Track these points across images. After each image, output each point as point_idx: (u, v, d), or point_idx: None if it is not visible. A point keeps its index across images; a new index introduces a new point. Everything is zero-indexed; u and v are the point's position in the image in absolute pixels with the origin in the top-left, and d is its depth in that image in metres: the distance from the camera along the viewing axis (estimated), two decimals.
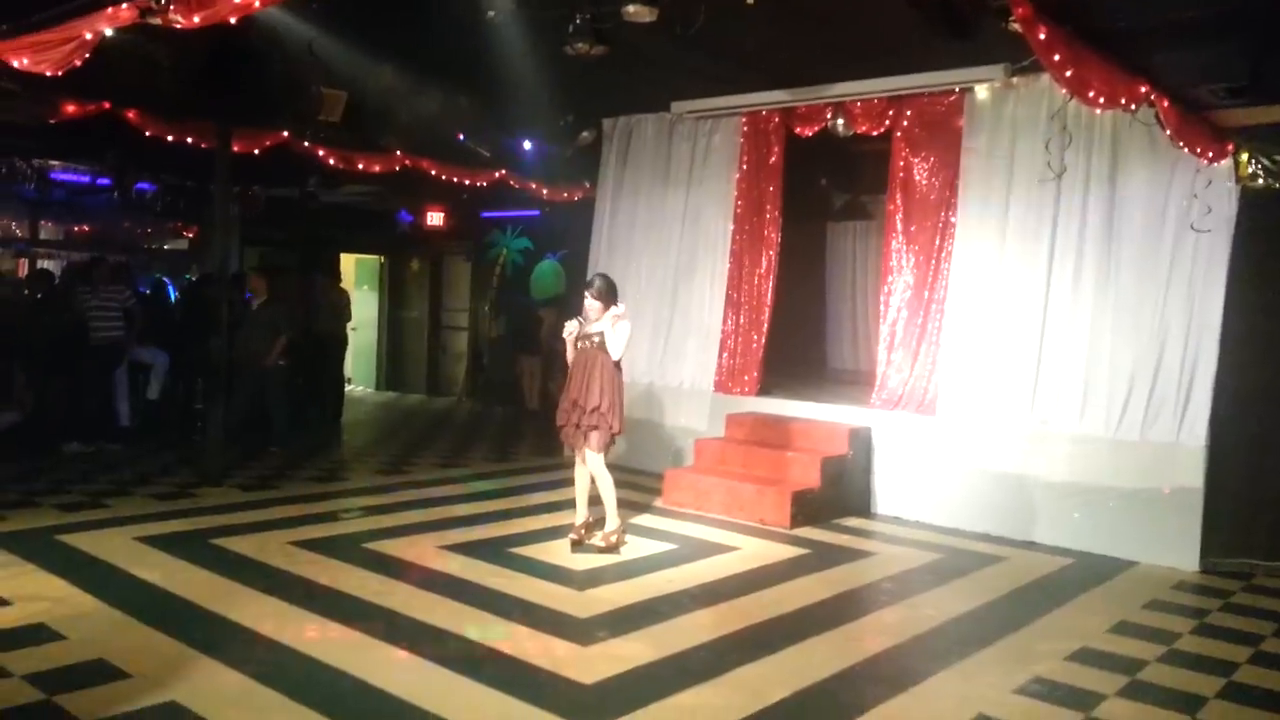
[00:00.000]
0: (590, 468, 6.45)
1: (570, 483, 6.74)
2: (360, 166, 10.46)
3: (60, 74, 5.71)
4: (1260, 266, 6.76)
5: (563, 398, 6.53)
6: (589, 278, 6.71)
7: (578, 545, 6.50)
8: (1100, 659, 4.90)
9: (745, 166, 9.30)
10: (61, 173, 12.10)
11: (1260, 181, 6.96)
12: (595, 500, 6.57)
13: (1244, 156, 6.80)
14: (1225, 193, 6.84)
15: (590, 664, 4.54)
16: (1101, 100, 6.12)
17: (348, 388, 13.68)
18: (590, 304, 6.43)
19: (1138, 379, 7.07)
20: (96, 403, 9.49)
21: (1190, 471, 6.76)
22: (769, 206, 9.22)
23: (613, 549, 6.46)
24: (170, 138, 9.14)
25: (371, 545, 6.45)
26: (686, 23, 6.30)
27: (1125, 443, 7.02)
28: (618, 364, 6.41)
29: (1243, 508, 6.78)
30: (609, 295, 6.46)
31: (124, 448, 9.33)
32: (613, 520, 6.51)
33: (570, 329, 6.45)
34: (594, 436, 6.36)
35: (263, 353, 9.41)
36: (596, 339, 6.37)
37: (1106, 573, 6.58)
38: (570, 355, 6.49)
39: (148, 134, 8.99)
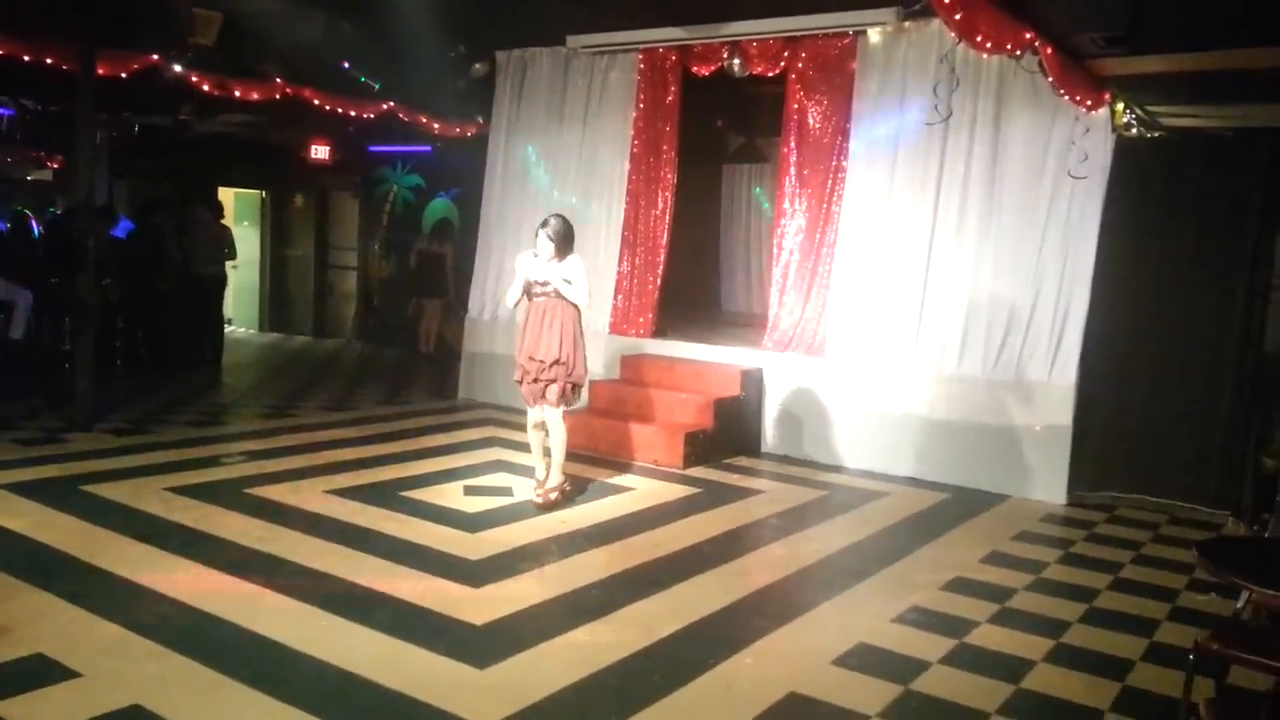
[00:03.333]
0: (549, 422, 6.23)
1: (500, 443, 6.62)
2: (237, 94, 9.94)
3: None
4: (1131, 213, 7.04)
5: (518, 352, 6.19)
6: (544, 218, 6.22)
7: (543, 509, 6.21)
8: (973, 588, 5.13)
9: (642, 105, 9.19)
10: None
11: (1134, 131, 7.24)
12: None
13: (1120, 106, 7.04)
14: (1101, 141, 7.06)
15: (482, 605, 4.52)
16: (989, 45, 6.25)
17: (228, 329, 13.17)
18: (543, 245, 6.01)
19: (1014, 321, 7.32)
20: None
21: (1060, 410, 7.08)
22: (665, 147, 9.15)
23: (549, 506, 6.20)
24: (28, 58, 8.48)
25: (254, 490, 6.24)
26: None
27: (1001, 382, 7.30)
28: (578, 310, 6.10)
29: (1107, 444, 7.15)
30: (566, 240, 6.04)
31: None
32: (556, 476, 6.32)
33: (523, 268, 6.06)
34: (552, 391, 6.11)
35: None
36: (550, 288, 6.00)
37: (980, 506, 6.87)
38: (517, 298, 6.14)
39: (1, 53, 8.33)
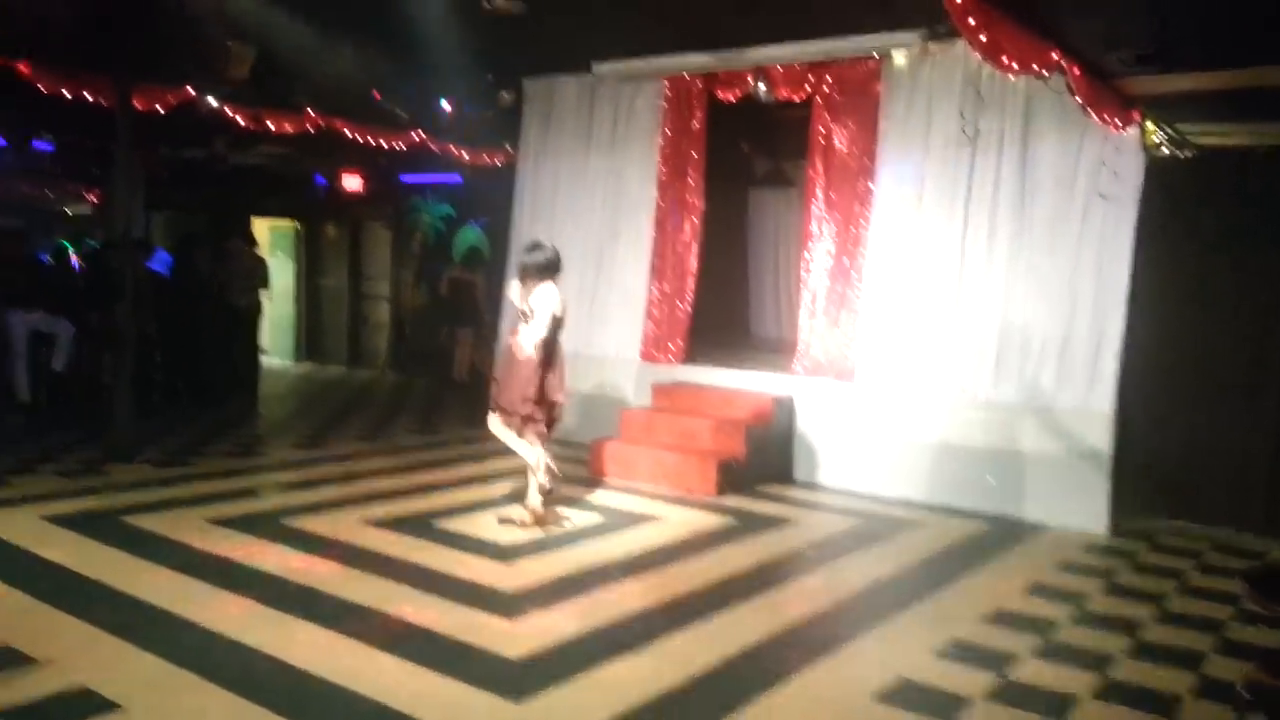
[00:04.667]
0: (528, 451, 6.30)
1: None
2: (270, 126, 10.10)
3: None
4: (1164, 233, 6.97)
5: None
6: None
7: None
8: (1015, 620, 5.05)
9: (668, 131, 9.23)
10: None
11: (1164, 150, 7.16)
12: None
13: (1149, 125, 6.97)
14: (1132, 160, 6.98)
15: (517, 638, 4.52)
16: (1015, 66, 6.21)
17: (263, 359, 13.30)
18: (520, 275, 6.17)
19: (1049, 345, 7.23)
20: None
21: (1098, 435, 6.96)
22: (692, 172, 9.17)
23: (537, 524, 6.32)
24: (68, 94, 8.68)
25: (291, 521, 6.29)
26: None
27: (1037, 407, 7.20)
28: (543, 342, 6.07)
29: (1148, 470, 7.03)
30: (536, 272, 6.08)
31: (26, 421, 8.93)
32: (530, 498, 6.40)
33: (512, 294, 6.21)
34: (523, 424, 6.20)
35: None
36: (527, 318, 6.09)
37: (1020, 536, 6.77)
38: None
39: (43, 89, 8.53)
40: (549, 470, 6.31)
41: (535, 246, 6.26)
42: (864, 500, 7.60)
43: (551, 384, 6.22)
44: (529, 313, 6.10)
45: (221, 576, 5.16)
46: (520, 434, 6.26)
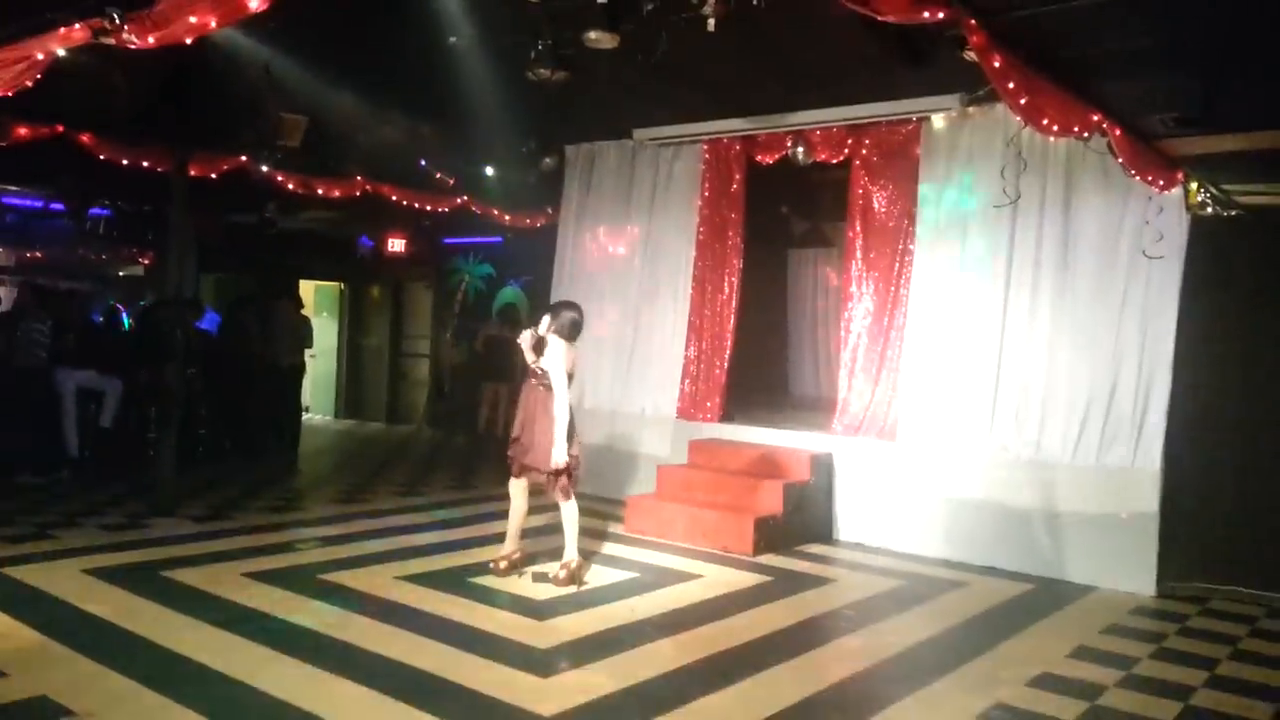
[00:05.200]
0: (562, 508, 6.31)
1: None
2: (320, 192, 10.38)
3: (10, 95, 5.58)
4: (1209, 293, 6.89)
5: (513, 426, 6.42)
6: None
7: (501, 574, 6.40)
8: (1061, 684, 4.91)
9: (707, 193, 9.35)
10: (13, 197, 11.88)
11: (1209, 210, 7.10)
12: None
13: (1193, 185, 6.93)
14: (1176, 220, 6.96)
15: (550, 696, 4.46)
16: (1055, 128, 6.22)
17: (305, 416, 13.49)
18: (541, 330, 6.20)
19: (1094, 404, 7.14)
20: (45, 433, 9.26)
21: (1146, 496, 6.82)
22: (731, 233, 9.26)
23: (560, 584, 6.24)
24: (125, 162, 8.99)
25: (328, 576, 6.32)
26: (649, 50, 6.32)
27: (1082, 468, 7.09)
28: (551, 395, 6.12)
29: (1198, 531, 6.86)
30: (565, 331, 6.14)
31: (73, 476, 9.10)
32: (568, 552, 6.35)
33: (523, 341, 6.23)
34: (556, 482, 6.18)
35: None
36: (545, 379, 6.13)
37: (1066, 598, 6.61)
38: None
39: (102, 158, 8.85)
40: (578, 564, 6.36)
41: (570, 306, 6.35)
42: (905, 560, 7.47)
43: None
44: (540, 373, 6.17)
45: (258, 631, 5.17)
46: (549, 491, 6.27)
